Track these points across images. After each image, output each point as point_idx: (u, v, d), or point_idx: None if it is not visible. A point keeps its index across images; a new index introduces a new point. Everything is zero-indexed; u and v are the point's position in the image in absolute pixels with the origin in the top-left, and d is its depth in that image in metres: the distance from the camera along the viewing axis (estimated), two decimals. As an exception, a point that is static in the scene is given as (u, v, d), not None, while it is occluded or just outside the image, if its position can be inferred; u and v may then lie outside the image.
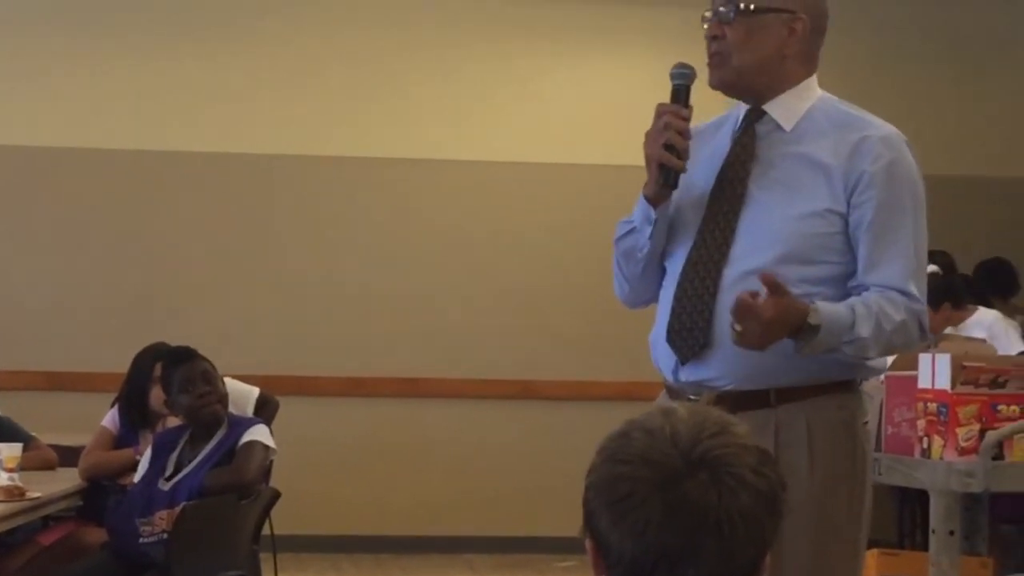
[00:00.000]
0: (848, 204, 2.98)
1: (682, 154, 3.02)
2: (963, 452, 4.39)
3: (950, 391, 4.41)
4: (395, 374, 8.84)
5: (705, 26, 3.11)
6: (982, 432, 4.41)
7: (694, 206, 3.10)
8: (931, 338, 3.10)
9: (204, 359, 5.58)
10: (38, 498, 5.23)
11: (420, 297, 8.90)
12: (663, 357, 3.10)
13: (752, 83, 3.07)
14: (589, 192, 8.75)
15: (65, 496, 5.70)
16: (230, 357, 7.47)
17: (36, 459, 5.69)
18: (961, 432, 4.39)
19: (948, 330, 7.23)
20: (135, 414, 6.02)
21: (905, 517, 7.58)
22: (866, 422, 3.11)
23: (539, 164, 8.94)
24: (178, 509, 5.25)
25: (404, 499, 8.78)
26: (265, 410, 6.32)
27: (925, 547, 4.74)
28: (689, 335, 3.02)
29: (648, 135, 3.04)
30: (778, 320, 2.83)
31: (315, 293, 8.85)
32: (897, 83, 9.16)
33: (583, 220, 8.72)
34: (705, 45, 3.12)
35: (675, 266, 3.11)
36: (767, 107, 3.08)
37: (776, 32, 3.04)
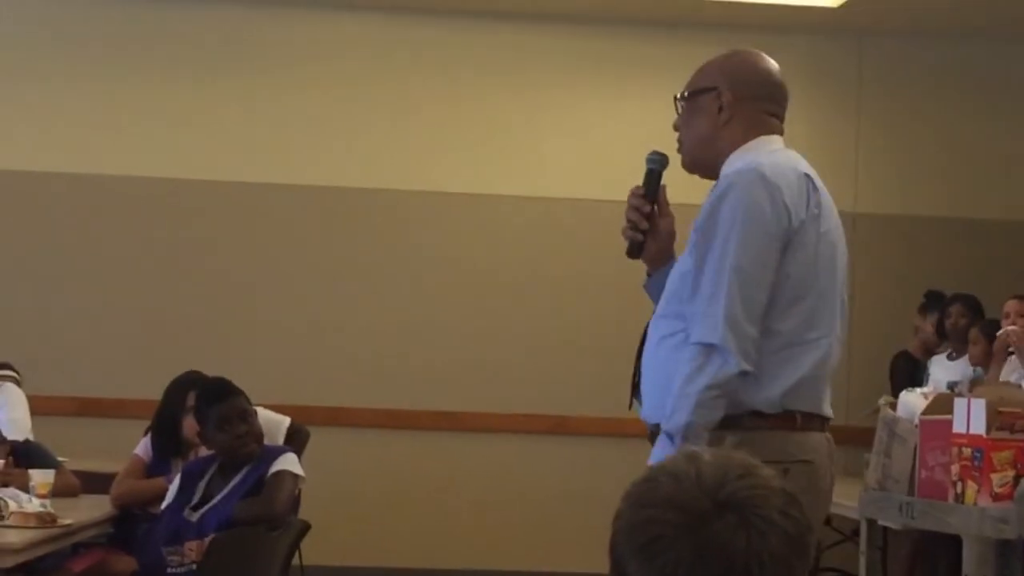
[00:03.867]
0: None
1: (639, 226, 3.50)
2: (997, 498, 4.36)
3: (985, 436, 4.37)
4: (429, 407, 8.82)
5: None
6: (1016, 478, 4.38)
7: None
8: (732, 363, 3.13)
9: (240, 394, 5.55)
10: (69, 525, 5.23)
11: (456, 331, 8.89)
12: None
13: (702, 159, 3.38)
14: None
15: (96, 523, 5.70)
16: (263, 386, 7.49)
17: (60, 486, 5.70)
18: (996, 478, 4.35)
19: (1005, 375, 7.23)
20: (167, 443, 6.03)
21: (942, 563, 7.52)
22: (780, 462, 2.98)
23: (577, 200, 8.93)
24: (208, 540, 5.24)
25: (435, 532, 8.76)
26: (296, 439, 6.32)
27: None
28: (633, 380, 3.49)
29: None
30: None
31: (350, 324, 8.86)
32: (928, 127, 9.15)
33: (618, 256, 8.68)
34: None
35: None
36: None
37: (708, 110, 3.35)
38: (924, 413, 4.70)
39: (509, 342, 8.89)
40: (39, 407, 7.08)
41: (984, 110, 9.22)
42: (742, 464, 1.67)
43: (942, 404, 4.63)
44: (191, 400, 5.79)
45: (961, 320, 7.96)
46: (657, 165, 3.48)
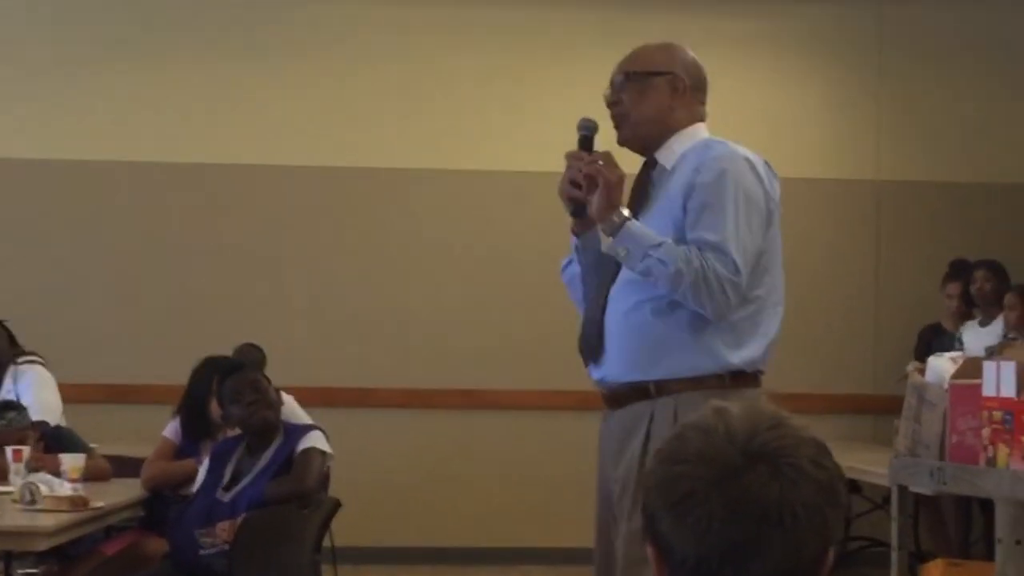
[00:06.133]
0: (684, 209, 3.51)
1: (582, 188, 3.59)
2: (1029, 460, 4.34)
3: (1016, 398, 4.35)
4: (453, 385, 8.83)
5: (605, 101, 3.70)
6: (1048, 439, 4.35)
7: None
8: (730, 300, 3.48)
9: (252, 368, 5.60)
10: (101, 508, 5.26)
11: (477, 309, 8.89)
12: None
13: (648, 134, 3.64)
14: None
15: (128, 506, 5.74)
16: (289, 369, 7.52)
17: (92, 470, 5.74)
18: (1027, 440, 4.33)
19: None
20: (196, 425, 6.05)
21: (970, 527, 7.51)
22: None
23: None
24: (239, 520, 5.26)
25: (462, 510, 8.77)
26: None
27: (989, 557, 4.68)
28: (588, 343, 3.69)
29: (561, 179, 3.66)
30: (619, 185, 3.50)
31: (373, 305, 8.86)
32: (957, 95, 9.11)
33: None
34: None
35: (588, 292, 3.78)
36: (657, 155, 3.65)
37: (663, 90, 3.64)
38: (953, 377, 4.68)
39: (530, 319, 8.87)
40: (68, 395, 7.09)
41: (1006, 74, 9.17)
42: (772, 415, 1.67)
43: (971, 368, 4.60)
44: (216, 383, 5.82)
45: (987, 285, 7.96)
46: (588, 131, 3.66)
